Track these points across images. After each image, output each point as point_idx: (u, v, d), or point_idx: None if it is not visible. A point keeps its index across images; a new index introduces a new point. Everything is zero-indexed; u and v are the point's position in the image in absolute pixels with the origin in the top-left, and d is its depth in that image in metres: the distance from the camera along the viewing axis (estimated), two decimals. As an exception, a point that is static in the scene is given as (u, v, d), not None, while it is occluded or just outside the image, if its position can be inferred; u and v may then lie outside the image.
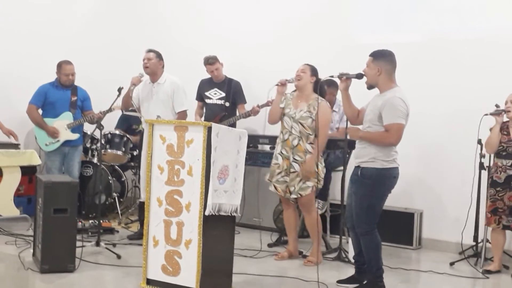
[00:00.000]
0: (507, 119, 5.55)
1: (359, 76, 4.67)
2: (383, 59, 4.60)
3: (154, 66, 6.23)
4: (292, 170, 5.54)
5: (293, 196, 5.57)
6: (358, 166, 4.62)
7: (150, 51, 6.30)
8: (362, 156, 4.61)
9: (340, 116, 6.41)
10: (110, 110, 6.19)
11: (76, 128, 6.69)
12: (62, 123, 6.63)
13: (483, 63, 6.33)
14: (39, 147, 6.76)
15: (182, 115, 6.25)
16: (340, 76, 4.78)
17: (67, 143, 6.67)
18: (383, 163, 4.53)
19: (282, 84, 5.60)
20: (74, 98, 6.69)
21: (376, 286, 4.65)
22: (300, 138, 5.54)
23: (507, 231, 5.67)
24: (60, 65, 6.65)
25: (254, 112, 6.74)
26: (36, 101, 6.66)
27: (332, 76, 4.88)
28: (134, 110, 6.84)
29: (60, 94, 6.68)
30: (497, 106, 5.61)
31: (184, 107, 6.29)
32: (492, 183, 5.61)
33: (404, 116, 4.50)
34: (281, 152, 5.60)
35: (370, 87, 4.67)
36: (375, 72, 4.58)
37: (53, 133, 6.59)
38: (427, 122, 6.43)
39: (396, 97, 4.50)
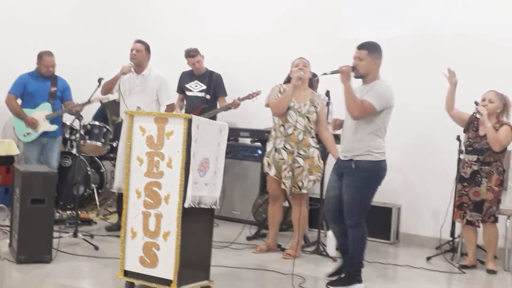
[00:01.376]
0: (478, 115, 5.60)
1: (354, 69, 4.67)
2: (378, 52, 4.68)
3: (141, 57, 6.16)
4: (296, 165, 5.54)
5: (303, 191, 5.58)
6: (351, 160, 4.63)
7: (139, 41, 6.23)
8: (356, 149, 4.62)
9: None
10: (89, 102, 6.13)
11: (55, 119, 6.61)
12: (41, 114, 6.55)
13: (468, 59, 6.37)
14: (17, 138, 6.68)
15: (171, 108, 6.22)
16: (336, 72, 4.71)
17: (45, 134, 6.60)
18: (377, 155, 4.59)
19: (300, 79, 5.51)
20: (53, 89, 6.61)
21: (354, 279, 4.68)
22: (305, 132, 5.55)
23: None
24: (40, 56, 6.56)
25: (235, 105, 6.73)
26: (15, 91, 6.58)
27: (325, 73, 4.83)
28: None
29: (39, 85, 6.59)
30: (476, 103, 5.66)
31: (171, 100, 6.25)
32: (460, 179, 5.70)
33: (381, 104, 4.55)
34: (285, 146, 5.57)
35: (359, 77, 4.69)
36: (372, 64, 4.63)
37: (31, 124, 6.52)
38: (410, 117, 6.46)
39: (384, 85, 4.61)
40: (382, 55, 4.70)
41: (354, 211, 4.63)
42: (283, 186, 5.62)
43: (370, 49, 4.66)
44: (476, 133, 5.63)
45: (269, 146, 5.70)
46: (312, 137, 5.60)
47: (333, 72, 4.73)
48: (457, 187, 5.73)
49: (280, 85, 5.69)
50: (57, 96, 6.63)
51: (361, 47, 4.69)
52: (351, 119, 4.66)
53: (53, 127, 6.60)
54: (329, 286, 4.65)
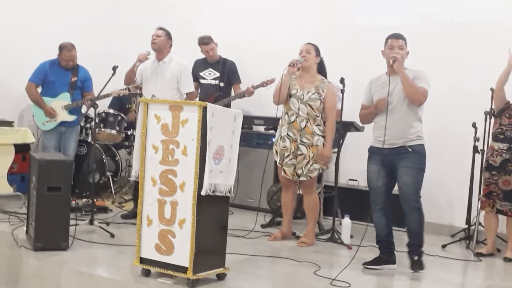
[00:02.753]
0: None
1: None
2: (407, 43, 4.85)
3: (161, 43, 6.11)
4: (299, 152, 5.53)
5: (302, 178, 5.57)
6: (401, 146, 4.71)
7: (160, 28, 6.19)
8: (407, 135, 4.72)
9: (338, 98, 6.39)
10: (106, 95, 6.16)
11: (74, 109, 6.65)
12: (60, 103, 6.60)
13: (478, 45, 6.33)
14: (36, 126, 6.72)
15: (191, 96, 6.17)
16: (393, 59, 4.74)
17: (64, 123, 6.65)
18: (423, 139, 4.78)
19: (294, 65, 5.50)
20: (74, 79, 6.65)
21: (423, 260, 4.81)
22: (307, 120, 5.52)
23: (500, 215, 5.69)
24: (60, 49, 6.58)
25: (248, 92, 6.72)
26: (35, 79, 6.62)
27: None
28: (128, 89, 6.81)
29: (60, 74, 6.63)
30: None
31: (191, 88, 6.20)
32: (488, 167, 5.62)
33: (429, 88, 4.75)
34: (288, 134, 5.57)
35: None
36: (406, 54, 4.82)
37: (50, 114, 6.56)
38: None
39: (424, 71, 4.80)
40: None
41: (418, 193, 4.75)
42: (282, 174, 5.62)
43: (405, 39, 4.81)
44: (509, 119, 5.53)
45: (277, 134, 5.70)
46: (318, 125, 5.55)
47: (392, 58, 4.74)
48: (485, 175, 5.66)
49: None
50: (77, 86, 6.67)
51: (399, 36, 4.83)
52: (398, 107, 4.72)
53: (72, 117, 6.65)
54: (413, 270, 4.76)
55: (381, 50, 4.88)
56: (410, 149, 4.71)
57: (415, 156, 4.71)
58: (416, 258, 4.79)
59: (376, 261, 4.92)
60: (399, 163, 4.74)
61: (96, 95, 6.32)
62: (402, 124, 4.73)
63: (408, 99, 4.71)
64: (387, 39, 4.86)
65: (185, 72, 6.15)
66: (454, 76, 6.39)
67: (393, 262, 4.94)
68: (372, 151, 4.91)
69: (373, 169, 4.86)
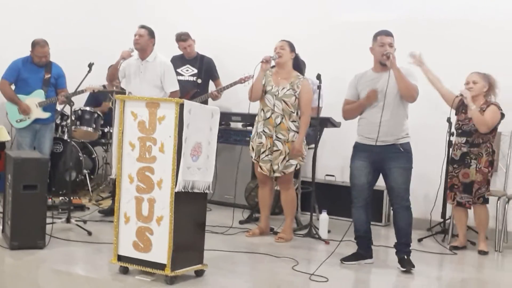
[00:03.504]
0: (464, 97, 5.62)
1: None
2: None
3: (144, 42, 6.05)
4: (275, 148, 5.54)
5: (277, 174, 5.58)
6: (393, 144, 4.73)
7: (142, 27, 6.13)
8: (397, 133, 4.76)
9: (313, 94, 6.43)
10: (81, 92, 6.12)
11: (48, 106, 6.59)
12: (34, 100, 6.53)
13: (460, 42, 6.40)
14: (10, 124, 6.65)
15: (176, 94, 6.10)
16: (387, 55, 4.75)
17: (38, 120, 6.58)
18: (409, 137, 4.83)
19: (267, 61, 5.51)
20: (47, 76, 6.59)
21: (411, 260, 4.85)
22: (283, 116, 5.53)
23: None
24: (33, 46, 6.51)
25: (213, 96, 6.91)
26: (8, 76, 6.55)
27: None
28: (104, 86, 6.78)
29: (33, 71, 6.57)
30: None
31: (175, 87, 6.15)
32: (451, 161, 5.78)
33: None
34: (264, 130, 5.58)
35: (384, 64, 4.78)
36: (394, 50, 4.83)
37: (24, 111, 6.49)
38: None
39: (411, 68, 4.92)
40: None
41: (408, 192, 4.80)
42: (259, 170, 5.64)
43: (393, 36, 4.83)
44: (465, 115, 5.66)
45: (253, 131, 5.72)
46: (293, 121, 5.56)
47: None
48: (448, 169, 5.78)
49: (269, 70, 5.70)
50: (51, 83, 6.61)
51: (389, 33, 4.84)
52: (388, 104, 4.71)
53: (46, 114, 6.58)
54: (405, 268, 4.77)
55: (369, 47, 4.87)
56: (401, 149, 4.73)
57: (405, 155, 4.75)
58: (406, 257, 4.84)
59: (353, 257, 4.96)
60: (391, 164, 4.75)
61: (71, 92, 6.28)
62: (393, 121, 4.75)
63: (402, 95, 4.73)
64: (376, 35, 4.83)
65: (168, 71, 6.13)
66: (434, 71, 6.44)
67: (370, 257, 5.00)
68: (359, 148, 4.88)
69: (359, 166, 4.85)
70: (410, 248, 4.91)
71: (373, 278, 4.80)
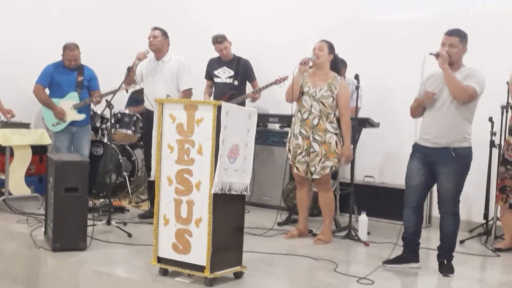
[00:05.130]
0: None
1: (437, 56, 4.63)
2: (466, 40, 4.67)
3: (159, 43, 6.19)
4: (312, 150, 5.52)
5: (315, 176, 5.56)
6: (446, 147, 4.59)
7: (155, 28, 6.27)
8: (452, 136, 4.60)
9: (352, 94, 6.36)
10: (114, 92, 6.20)
11: (83, 108, 6.68)
12: (68, 103, 6.62)
13: (493, 40, 6.26)
14: (46, 128, 6.76)
15: (187, 93, 6.21)
16: (434, 54, 4.63)
17: (74, 123, 6.66)
18: (470, 141, 4.64)
19: (305, 63, 5.49)
20: (80, 78, 6.67)
21: (452, 264, 4.77)
22: (320, 117, 5.50)
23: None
24: (64, 49, 6.61)
25: (251, 97, 6.95)
26: (42, 81, 6.65)
27: (431, 54, 4.69)
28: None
29: (66, 74, 6.66)
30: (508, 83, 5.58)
31: (189, 85, 6.23)
32: (503, 161, 5.59)
33: (482, 90, 4.58)
34: (301, 131, 5.56)
35: (449, 64, 4.61)
36: (462, 52, 4.64)
37: (59, 114, 6.58)
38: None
39: (482, 72, 4.62)
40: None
41: (457, 199, 4.68)
42: (295, 171, 5.61)
43: (461, 36, 4.64)
44: None
45: (290, 132, 5.70)
46: (330, 122, 5.52)
47: (433, 54, 4.62)
48: (500, 170, 5.63)
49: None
50: (84, 86, 6.69)
51: (453, 33, 4.65)
52: (446, 105, 4.61)
53: (81, 116, 6.66)
54: (443, 274, 4.70)
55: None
56: (453, 153, 4.58)
57: (458, 161, 4.59)
58: (445, 261, 4.76)
59: (396, 260, 4.86)
60: (441, 169, 4.64)
61: (104, 93, 6.38)
62: (448, 123, 4.60)
63: (452, 96, 4.59)
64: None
65: (183, 69, 6.19)
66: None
67: (416, 261, 4.88)
68: (416, 148, 4.79)
69: (414, 166, 4.76)
70: (453, 254, 4.80)
71: (412, 280, 4.71)
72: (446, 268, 4.74)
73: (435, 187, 6.53)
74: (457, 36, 4.63)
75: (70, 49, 6.58)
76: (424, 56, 4.55)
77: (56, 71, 6.65)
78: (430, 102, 4.68)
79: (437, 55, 4.57)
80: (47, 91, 6.71)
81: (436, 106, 4.67)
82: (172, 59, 6.20)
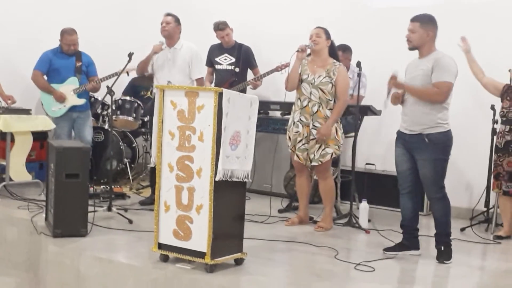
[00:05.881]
0: None
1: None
2: (431, 24, 4.67)
3: (172, 30, 6.14)
4: (311, 137, 5.51)
5: (314, 163, 5.55)
6: (420, 134, 4.62)
7: (168, 14, 6.20)
8: (425, 122, 4.61)
9: (355, 82, 6.32)
10: (115, 74, 6.18)
11: (82, 93, 6.66)
12: (68, 88, 6.61)
13: (497, 27, 6.23)
14: (46, 114, 6.75)
15: (201, 82, 6.20)
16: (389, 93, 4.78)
17: (74, 108, 6.65)
18: (445, 126, 4.63)
19: (303, 50, 5.48)
20: (79, 64, 6.66)
21: (450, 250, 4.75)
22: (319, 104, 5.49)
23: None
24: (62, 34, 6.59)
25: (252, 84, 6.92)
26: (41, 67, 6.62)
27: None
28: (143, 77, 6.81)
29: (64, 60, 6.64)
30: (510, 71, 5.58)
31: (201, 74, 6.23)
32: (495, 149, 5.68)
33: (453, 76, 4.59)
34: (300, 119, 5.55)
35: (413, 48, 4.69)
36: (425, 36, 4.63)
37: (59, 97, 6.55)
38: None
39: (447, 57, 4.61)
40: (437, 27, 4.67)
41: (440, 184, 4.68)
42: (295, 158, 5.61)
43: (422, 20, 4.65)
44: (510, 102, 5.53)
45: (290, 120, 5.69)
46: (330, 109, 5.49)
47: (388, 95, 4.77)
48: (494, 157, 5.67)
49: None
50: (82, 71, 6.68)
51: (414, 19, 4.68)
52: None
53: (81, 101, 6.64)
54: (444, 261, 4.68)
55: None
56: (426, 139, 4.61)
57: (432, 146, 4.60)
58: (442, 248, 4.75)
59: (397, 247, 4.88)
60: (417, 155, 4.68)
61: (109, 80, 6.35)
62: (419, 111, 4.64)
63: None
64: None
65: (196, 57, 6.17)
66: (477, 58, 6.31)
67: (416, 248, 4.89)
68: (398, 134, 4.85)
69: (398, 153, 4.82)
70: (449, 239, 4.78)
71: (412, 268, 4.71)
72: (442, 254, 4.74)
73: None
74: (417, 21, 4.65)
75: (68, 33, 6.56)
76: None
77: (55, 57, 6.63)
78: (397, 102, 4.80)
79: (389, 93, 4.75)
80: (45, 78, 6.68)
81: (409, 95, 4.72)
82: (184, 47, 6.15)
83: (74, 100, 6.62)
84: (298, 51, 5.46)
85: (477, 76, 5.72)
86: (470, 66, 5.68)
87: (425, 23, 4.64)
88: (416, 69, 4.68)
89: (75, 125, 6.72)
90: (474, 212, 6.16)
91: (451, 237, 4.80)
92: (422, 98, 4.60)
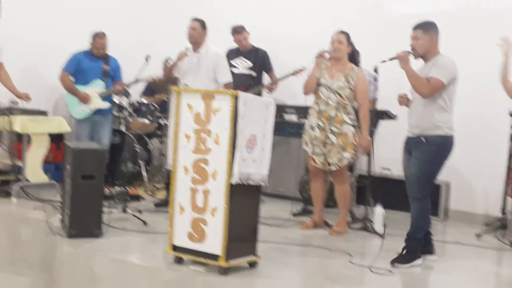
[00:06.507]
0: None
1: (411, 52, 4.66)
2: (433, 29, 4.66)
3: (198, 35, 6.14)
4: (328, 141, 5.50)
5: (332, 168, 5.54)
6: (419, 136, 4.61)
7: (195, 20, 6.20)
8: (424, 124, 4.60)
9: (371, 87, 6.30)
10: (138, 81, 6.20)
11: (107, 97, 6.72)
12: (93, 90, 6.67)
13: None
14: (70, 114, 6.80)
15: (229, 86, 6.14)
16: (394, 58, 4.72)
17: (97, 111, 6.71)
18: (446, 130, 4.59)
19: (322, 56, 5.49)
20: (106, 67, 6.73)
21: (415, 255, 4.67)
22: (337, 108, 5.48)
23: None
24: (93, 37, 6.69)
25: (268, 89, 6.89)
26: (68, 68, 6.70)
27: (384, 61, 4.86)
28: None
29: (92, 63, 6.72)
30: None
31: (228, 78, 6.22)
32: (510, 155, 5.61)
33: (448, 77, 4.55)
34: (318, 123, 5.54)
35: (419, 57, 4.68)
36: (428, 43, 4.62)
37: (84, 99, 6.62)
38: (459, 93, 6.29)
39: (446, 58, 4.61)
40: (438, 32, 4.66)
41: (422, 184, 4.63)
42: (312, 163, 5.60)
43: (425, 27, 4.64)
44: None
45: (306, 124, 5.68)
46: (348, 114, 5.50)
47: (391, 59, 4.74)
48: (510, 164, 5.62)
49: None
50: (109, 75, 6.74)
51: (416, 27, 4.68)
52: (418, 96, 4.63)
53: (106, 105, 6.71)
54: (394, 264, 4.61)
55: None
56: (424, 140, 4.59)
57: (426, 147, 4.58)
58: (404, 251, 4.67)
59: (402, 258, 4.82)
60: (413, 152, 4.68)
61: (127, 83, 6.39)
62: (419, 113, 4.64)
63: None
64: None
65: (221, 62, 6.17)
66: (490, 64, 6.26)
67: (431, 252, 4.85)
68: (405, 140, 4.86)
69: (405, 158, 4.82)
70: (416, 244, 4.66)
71: (426, 273, 4.66)
72: (399, 256, 4.65)
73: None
74: (420, 29, 4.65)
75: (99, 37, 6.66)
76: (383, 61, 4.80)
77: (83, 58, 6.71)
78: (404, 103, 4.82)
79: (394, 58, 4.67)
80: (72, 79, 6.74)
81: (414, 98, 4.73)
82: (209, 51, 6.14)
83: (99, 103, 6.68)
84: (316, 56, 5.46)
85: (503, 79, 5.61)
86: (503, 68, 5.56)
87: (428, 29, 4.64)
88: (421, 74, 4.65)
89: (95, 127, 6.78)
90: (490, 219, 6.11)
91: (418, 244, 4.67)
92: (412, 81, 4.60)
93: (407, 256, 4.66)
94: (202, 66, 6.10)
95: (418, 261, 4.67)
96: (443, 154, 4.64)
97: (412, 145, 4.69)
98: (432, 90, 4.54)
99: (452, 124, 4.63)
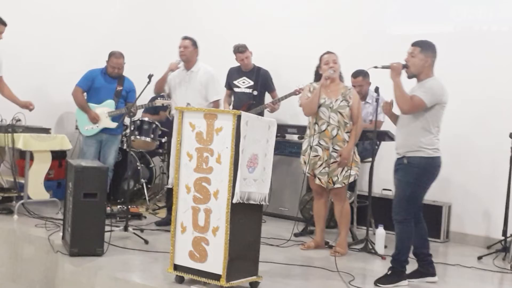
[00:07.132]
0: None
1: (406, 66, 4.63)
2: (431, 50, 4.63)
3: (190, 54, 6.20)
4: (332, 160, 5.52)
5: (338, 185, 5.56)
6: (403, 157, 4.60)
7: (186, 38, 6.26)
8: (407, 146, 4.59)
9: (374, 108, 6.32)
10: (150, 104, 6.27)
11: (116, 117, 6.75)
12: (104, 110, 6.72)
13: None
14: (78, 131, 6.83)
15: (216, 104, 6.23)
16: (387, 67, 4.69)
17: (105, 130, 6.76)
18: (429, 151, 4.54)
19: (329, 78, 5.53)
20: (119, 88, 6.78)
21: (401, 276, 4.64)
22: (338, 127, 5.51)
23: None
24: (109, 56, 6.75)
25: (270, 108, 6.98)
26: (82, 84, 6.76)
27: (376, 67, 4.83)
28: (162, 96, 6.86)
29: (106, 82, 6.79)
30: None
31: (218, 96, 6.28)
32: None
33: (432, 99, 4.50)
34: (319, 143, 5.57)
35: (412, 76, 4.65)
36: (423, 62, 4.59)
37: (93, 119, 6.67)
38: (458, 114, 6.34)
39: (436, 81, 4.57)
40: (435, 54, 4.63)
41: (403, 207, 4.60)
42: (317, 182, 5.61)
43: (423, 46, 4.61)
44: None
45: (304, 145, 5.70)
46: (347, 132, 5.54)
47: (383, 67, 4.72)
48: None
49: (310, 84, 5.71)
50: (122, 96, 6.79)
51: (415, 44, 4.65)
52: (404, 116, 4.64)
53: (114, 124, 6.75)
54: (377, 284, 4.60)
55: None
56: (406, 161, 4.58)
57: (407, 168, 4.56)
58: (388, 272, 4.67)
59: (413, 274, 4.81)
60: (396, 173, 4.69)
61: (141, 107, 6.49)
62: (405, 133, 4.64)
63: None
64: None
65: (212, 80, 6.21)
66: (490, 85, 6.31)
67: (432, 275, 4.82)
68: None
69: (395, 179, 4.78)
70: (399, 266, 4.64)
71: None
72: (382, 277, 4.65)
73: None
74: (418, 46, 4.61)
75: (115, 56, 6.71)
76: (374, 66, 4.80)
77: (99, 76, 6.77)
78: (387, 112, 4.87)
79: (387, 67, 4.64)
80: (84, 95, 6.78)
81: (400, 118, 4.74)
82: (201, 70, 6.20)
83: (107, 122, 6.72)
84: (326, 78, 5.49)
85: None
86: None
87: (426, 49, 4.60)
88: (409, 92, 4.62)
89: (102, 147, 6.83)
90: (492, 241, 6.11)
91: (402, 266, 4.66)
92: (396, 93, 4.57)
93: (391, 277, 4.65)
94: (194, 84, 6.16)
95: (404, 282, 4.65)
96: (426, 176, 4.59)
97: (396, 166, 4.69)
98: (412, 107, 4.51)
99: (437, 145, 4.58)
